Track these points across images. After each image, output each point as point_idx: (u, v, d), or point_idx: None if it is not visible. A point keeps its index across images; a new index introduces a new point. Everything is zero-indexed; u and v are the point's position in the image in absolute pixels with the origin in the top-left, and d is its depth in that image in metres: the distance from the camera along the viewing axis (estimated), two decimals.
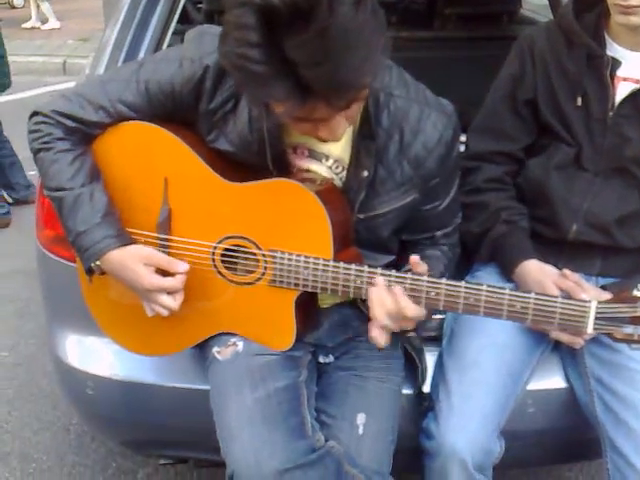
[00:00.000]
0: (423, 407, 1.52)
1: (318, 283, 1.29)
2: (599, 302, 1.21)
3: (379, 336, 1.27)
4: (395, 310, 1.24)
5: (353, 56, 1.04)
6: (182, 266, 1.33)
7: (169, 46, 1.78)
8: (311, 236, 1.29)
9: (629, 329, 1.22)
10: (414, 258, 1.26)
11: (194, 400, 1.57)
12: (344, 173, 1.35)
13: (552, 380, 1.60)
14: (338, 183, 1.36)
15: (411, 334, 1.48)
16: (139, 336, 1.50)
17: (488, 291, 1.23)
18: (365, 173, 1.32)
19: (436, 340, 1.62)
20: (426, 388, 1.54)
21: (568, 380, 1.59)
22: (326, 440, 1.34)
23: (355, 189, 1.34)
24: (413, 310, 1.24)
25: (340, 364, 1.48)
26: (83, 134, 1.35)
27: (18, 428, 2.42)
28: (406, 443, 1.47)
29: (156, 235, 1.37)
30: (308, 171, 1.35)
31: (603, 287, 1.52)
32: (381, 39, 1.10)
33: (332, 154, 1.34)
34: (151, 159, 1.36)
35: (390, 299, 1.24)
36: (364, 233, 1.37)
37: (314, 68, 1.03)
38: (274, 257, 1.31)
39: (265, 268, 1.33)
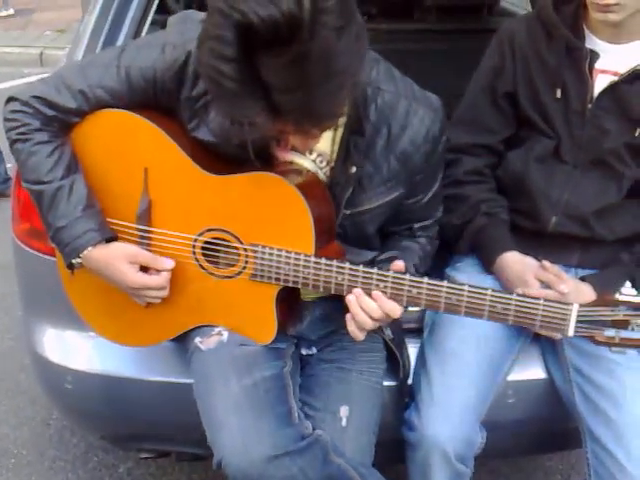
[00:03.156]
0: (404, 401, 1.53)
1: (299, 278, 1.29)
2: (580, 305, 1.22)
3: (358, 332, 1.27)
4: (380, 315, 1.25)
5: (329, 85, 1.02)
6: (167, 263, 1.33)
7: None
8: (293, 231, 1.28)
9: (610, 332, 1.23)
10: (399, 266, 1.25)
11: (174, 394, 1.56)
12: (328, 168, 1.35)
13: (532, 371, 1.61)
14: (322, 177, 1.35)
15: (386, 330, 1.49)
16: (120, 326, 1.48)
17: (470, 291, 1.23)
18: (354, 169, 1.31)
19: (418, 332, 1.63)
20: (408, 381, 1.55)
21: (548, 371, 1.61)
22: (313, 429, 1.34)
23: (342, 184, 1.33)
24: (399, 311, 1.25)
25: (323, 357, 1.48)
26: (62, 123, 1.33)
27: None
28: (388, 435, 1.47)
29: (136, 226, 1.36)
30: (292, 163, 1.34)
31: (582, 279, 1.54)
32: (361, 66, 1.08)
33: (316, 148, 1.32)
34: (131, 148, 1.34)
35: (374, 306, 1.24)
36: (350, 229, 1.37)
37: (287, 94, 1.01)
38: (255, 251, 1.30)
39: (246, 262, 1.32)
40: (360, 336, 1.28)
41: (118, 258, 1.32)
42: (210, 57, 1.02)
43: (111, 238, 1.34)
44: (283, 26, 0.96)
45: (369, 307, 1.25)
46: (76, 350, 1.65)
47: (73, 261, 1.32)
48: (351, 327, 1.27)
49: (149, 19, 1.77)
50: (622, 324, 1.23)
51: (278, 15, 0.95)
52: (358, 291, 1.25)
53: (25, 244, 1.64)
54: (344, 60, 1.02)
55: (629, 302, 1.22)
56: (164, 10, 2.03)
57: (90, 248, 1.31)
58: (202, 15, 1.29)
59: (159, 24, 1.77)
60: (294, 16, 0.96)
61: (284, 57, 0.98)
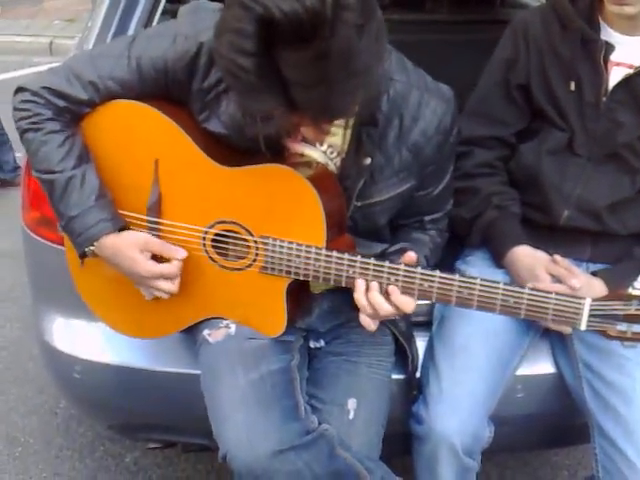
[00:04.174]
0: (412, 395, 1.52)
1: (310, 271, 1.28)
2: (593, 299, 1.21)
3: (371, 324, 1.27)
4: (392, 311, 1.24)
5: (348, 83, 1.02)
6: (180, 252, 1.32)
7: None
8: (304, 223, 1.27)
9: (622, 326, 1.22)
10: (411, 257, 1.24)
11: (182, 384, 1.56)
12: (338, 159, 1.34)
13: (541, 366, 1.61)
14: (332, 168, 1.34)
15: (400, 323, 1.48)
16: (129, 318, 1.48)
17: (482, 285, 1.22)
18: (368, 160, 1.31)
19: (427, 325, 1.62)
20: (417, 374, 1.54)
21: (557, 366, 1.60)
22: (319, 423, 1.34)
23: (354, 176, 1.32)
24: (411, 306, 1.24)
25: (331, 349, 1.47)
26: (73, 114, 1.32)
27: (4, 412, 2.41)
28: (396, 428, 1.46)
29: (146, 218, 1.35)
30: (302, 155, 1.33)
31: (594, 273, 1.53)
32: (380, 66, 1.07)
33: (327, 139, 1.31)
34: (142, 140, 1.33)
35: (386, 302, 1.23)
36: (361, 221, 1.36)
37: (306, 90, 1.01)
38: (266, 244, 1.29)
39: (257, 255, 1.31)
40: (373, 326, 1.27)
41: (129, 246, 1.31)
42: (229, 50, 1.01)
43: (123, 227, 1.33)
44: (306, 22, 0.95)
45: (376, 301, 1.24)
46: (85, 340, 1.65)
47: (86, 249, 1.32)
48: (365, 322, 1.27)
49: (160, 8, 1.76)
50: (634, 318, 1.22)
51: (301, 10, 0.94)
52: (374, 285, 1.24)
53: (35, 233, 1.65)
54: (364, 58, 1.02)
55: None
56: None
57: (103, 237, 1.30)
58: (214, 5, 1.28)
59: (170, 14, 1.76)
60: (317, 12, 0.95)
61: (305, 53, 0.97)
